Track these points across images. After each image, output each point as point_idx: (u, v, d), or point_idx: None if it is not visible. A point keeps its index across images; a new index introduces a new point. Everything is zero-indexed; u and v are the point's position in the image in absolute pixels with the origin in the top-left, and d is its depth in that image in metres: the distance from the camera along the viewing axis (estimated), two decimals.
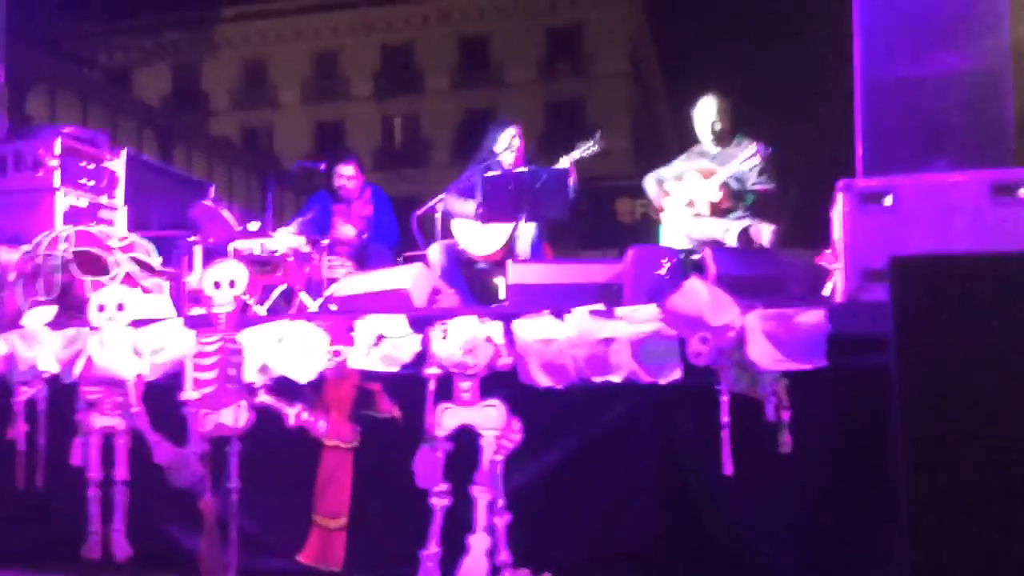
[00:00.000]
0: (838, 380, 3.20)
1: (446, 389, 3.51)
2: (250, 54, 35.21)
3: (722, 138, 5.45)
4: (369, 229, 6.43)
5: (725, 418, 3.23)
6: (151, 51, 34.54)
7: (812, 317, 3.24)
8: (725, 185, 5.23)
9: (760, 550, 3.26)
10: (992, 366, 2.53)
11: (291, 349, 3.66)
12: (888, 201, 3.47)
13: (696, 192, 5.35)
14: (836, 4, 4.25)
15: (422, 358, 3.54)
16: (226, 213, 5.62)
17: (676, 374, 3.33)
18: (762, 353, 3.24)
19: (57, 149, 5.20)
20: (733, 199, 5.25)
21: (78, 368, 3.86)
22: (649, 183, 5.64)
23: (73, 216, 5.16)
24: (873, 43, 3.82)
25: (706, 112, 5.47)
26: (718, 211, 5.27)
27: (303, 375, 3.63)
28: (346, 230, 6.25)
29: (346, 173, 6.47)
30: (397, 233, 6.54)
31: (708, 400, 3.26)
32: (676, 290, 3.43)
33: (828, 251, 3.93)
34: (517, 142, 5.82)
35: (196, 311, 4.64)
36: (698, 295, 3.37)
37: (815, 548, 3.22)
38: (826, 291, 3.96)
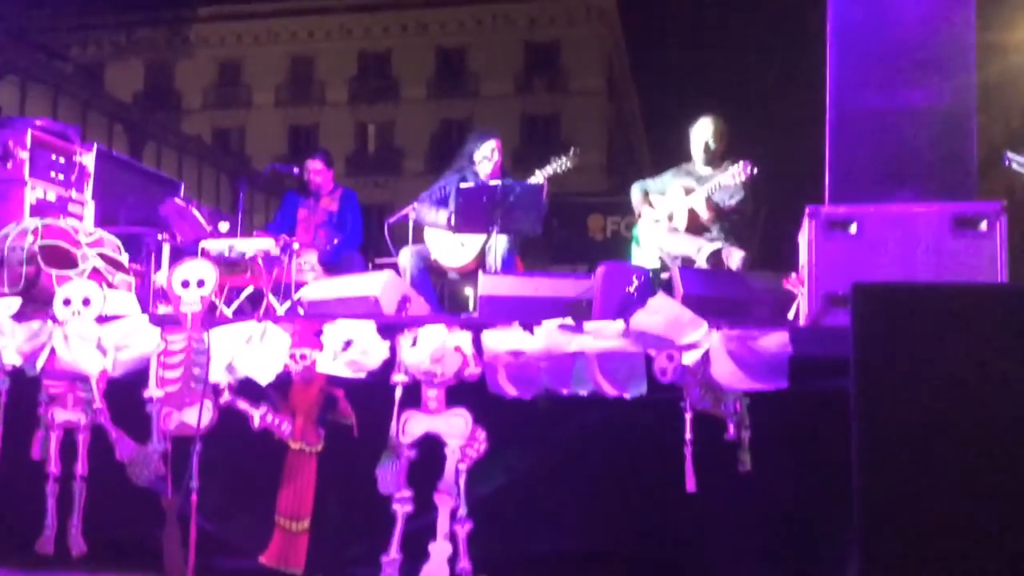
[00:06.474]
0: (799, 402, 3.26)
1: (413, 397, 3.52)
2: (225, 55, 35.02)
3: (714, 160, 5.50)
4: (333, 229, 6.44)
5: (688, 435, 3.28)
6: (124, 47, 34.24)
7: (775, 339, 3.30)
8: (710, 199, 5.28)
9: (720, 567, 3.30)
10: (947, 392, 2.60)
11: (258, 350, 3.66)
12: (853, 229, 3.55)
13: (677, 206, 5.40)
14: (813, 32, 4.33)
15: (390, 365, 3.55)
16: (196, 212, 5.59)
17: (641, 389, 3.37)
18: (725, 372, 3.29)
19: (28, 141, 5.15)
20: (715, 215, 5.30)
21: (41, 361, 3.81)
22: (635, 191, 5.69)
23: (41, 209, 5.12)
24: (844, 74, 3.91)
25: (703, 132, 5.53)
26: (695, 228, 5.32)
27: (268, 376, 3.63)
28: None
29: (314, 167, 6.60)
30: (361, 235, 6.56)
31: (673, 416, 3.31)
32: (643, 307, 3.48)
33: (794, 275, 4.00)
34: (496, 155, 5.87)
35: (163, 309, 4.62)
36: (664, 313, 3.42)
37: (773, 566, 3.27)
38: (790, 315, 4.03)
